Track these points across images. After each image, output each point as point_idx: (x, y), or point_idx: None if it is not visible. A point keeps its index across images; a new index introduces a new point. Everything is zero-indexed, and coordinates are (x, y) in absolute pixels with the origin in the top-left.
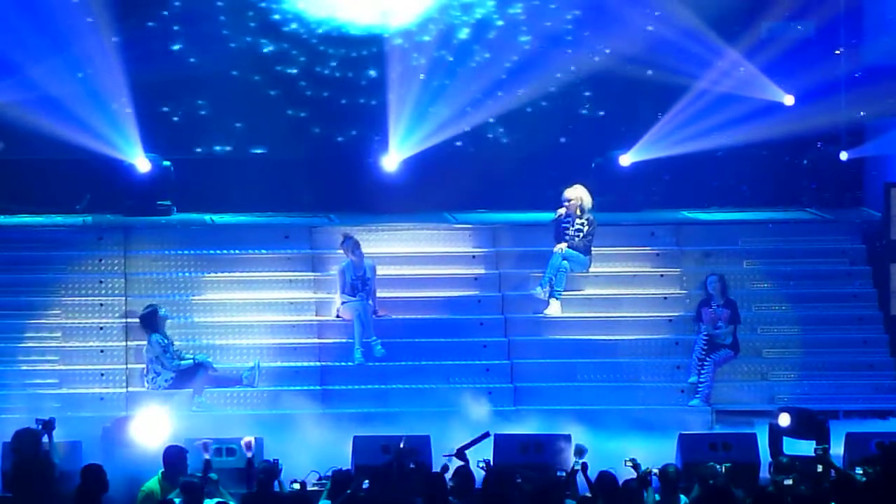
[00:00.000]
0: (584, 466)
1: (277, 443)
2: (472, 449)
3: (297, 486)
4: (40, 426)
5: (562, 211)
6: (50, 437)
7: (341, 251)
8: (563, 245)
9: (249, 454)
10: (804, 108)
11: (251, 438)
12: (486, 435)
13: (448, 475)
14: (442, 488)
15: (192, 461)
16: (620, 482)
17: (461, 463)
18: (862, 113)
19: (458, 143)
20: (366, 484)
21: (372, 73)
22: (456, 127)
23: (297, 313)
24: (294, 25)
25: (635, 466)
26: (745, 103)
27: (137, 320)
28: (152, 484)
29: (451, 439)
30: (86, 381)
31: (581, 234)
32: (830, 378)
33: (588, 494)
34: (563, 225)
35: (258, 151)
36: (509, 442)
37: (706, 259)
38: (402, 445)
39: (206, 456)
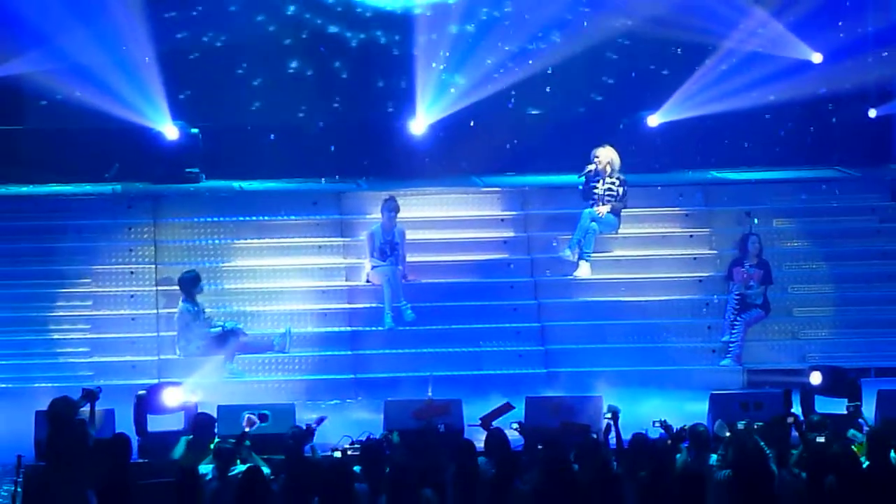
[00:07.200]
0: (615, 418)
1: (309, 408)
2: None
3: (337, 454)
4: (83, 395)
5: (591, 167)
6: (92, 406)
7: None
8: (606, 208)
9: (316, 426)
10: (832, 66)
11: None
12: (509, 406)
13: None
14: (471, 454)
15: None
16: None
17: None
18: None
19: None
20: (395, 438)
21: (401, 35)
22: (483, 90)
23: (327, 279)
24: None
25: (666, 427)
26: (773, 62)
27: (168, 288)
28: (178, 451)
29: (482, 403)
30: (117, 350)
31: (614, 196)
32: (861, 336)
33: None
34: (592, 184)
35: (286, 118)
36: (540, 404)
37: (748, 218)
38: (429, 393)
39: (247, 429)
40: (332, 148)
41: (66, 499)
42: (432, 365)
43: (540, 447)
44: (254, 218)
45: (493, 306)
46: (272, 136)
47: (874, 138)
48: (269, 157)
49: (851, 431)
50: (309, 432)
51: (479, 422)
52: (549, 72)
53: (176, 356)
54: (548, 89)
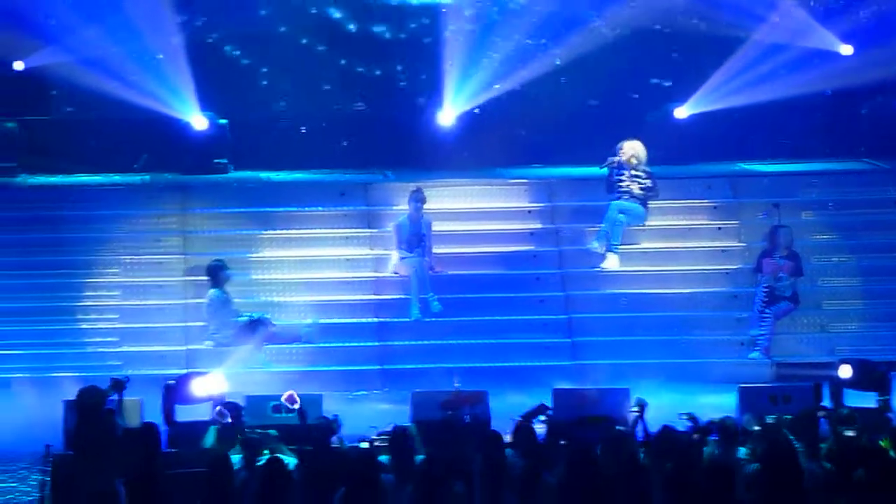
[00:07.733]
0: (642, 410)
1: (336, 399)
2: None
3: (364, 444)
4: (111, 384)
5: (615, 159)
6: (120, 396)
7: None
8: (636, 188)
9: (295, 406)
10: (861, 57)
11: (291, 392)
12: (545, 407)
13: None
14: (498, 445)
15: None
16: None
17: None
18: None
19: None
20: (413, 430)
21: (426, 27)
22: (510, 82)
23: (354, 270)
24: None
25: (693, 420)
26: (801, 53)
27: (196, 278)
28: (208, 441)
29: (508, 394)
30: (146, 339)
31: (642, 187)
32: (891, 329)
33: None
34: (618, 177)
35: (313, 108)
36: (568, 396)
37: (775, 210)
38: (455, 384)
39: (228, 420)
40: (345, 143)
41: (95, 489)
42: (459, 356)
43: (562, 442)
44: (281, 209)
45: (520, 298)
46: (285, 124)
47: None
48: (297, 148)
49: None
50: (332, 423)
51: (520, 419)
52: (577, 64)
53: (204, 346)
54: (562, 80)
